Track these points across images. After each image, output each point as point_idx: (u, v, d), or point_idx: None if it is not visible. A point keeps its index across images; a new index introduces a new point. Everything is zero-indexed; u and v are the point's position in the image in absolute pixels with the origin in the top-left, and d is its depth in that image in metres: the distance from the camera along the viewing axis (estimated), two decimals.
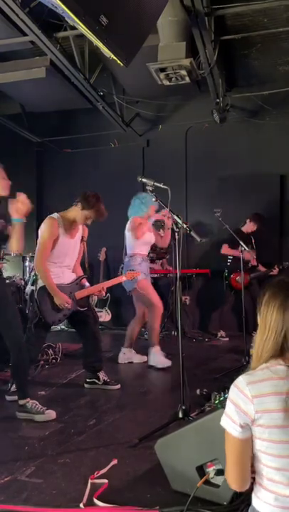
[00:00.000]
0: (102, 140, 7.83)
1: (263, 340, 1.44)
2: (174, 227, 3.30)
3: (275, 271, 6.22)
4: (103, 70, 6.33)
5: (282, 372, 1.38)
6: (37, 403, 3.37)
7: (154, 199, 3.57)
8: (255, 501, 1.41)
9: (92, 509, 2.17)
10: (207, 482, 2.14)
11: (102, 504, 2.18)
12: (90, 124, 7.76)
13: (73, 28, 4.36)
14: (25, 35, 4.90)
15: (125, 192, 5.12)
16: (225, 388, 2.62)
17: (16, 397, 3.47)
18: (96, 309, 6.88)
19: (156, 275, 6.48)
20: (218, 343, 6.29)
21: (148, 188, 3.59)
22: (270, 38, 5.75)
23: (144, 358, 5.07)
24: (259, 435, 1.35)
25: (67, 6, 2.06)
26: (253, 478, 1.43)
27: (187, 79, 5.19)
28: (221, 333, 6.47)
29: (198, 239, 3.51)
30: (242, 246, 4.84)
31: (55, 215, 3.88)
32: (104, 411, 3.59)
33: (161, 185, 3.50)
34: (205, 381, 3.97)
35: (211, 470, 2.14)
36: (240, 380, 1.40)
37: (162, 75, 5.15)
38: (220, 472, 2.12)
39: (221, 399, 2.43)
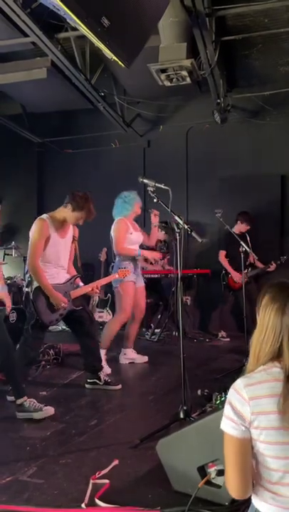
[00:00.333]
0: (103, 140, 7.84)
1: (259, 342, 1.45)
2: (175, 228, 3.30)
3: (272, 267, 6.22)
4: (104, 70, 6.35)
5: (278, 374, 1.39)
6: (34, 401, 3.38)
7: (155, 200, 3.57)
8: (255, 500, 1.43)
9: (93, 509, 2.17)
10: (208, 482, 2.14)
11: (103, 504, 2.19)
12: (91, 124, 7.77)
13: (74, 28, 4.37)
14: (26, 36, 4.91)
15: None
16: (226, 389, 2.62)
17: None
18: (97, 310, 6.91)
19: (157, 275, 6.49)
20: (219, 343, 6.29)
21: (149, 188, 3.60)
22: (271, 38, 5.76)
23: (145, 358, 5.08)
24: (256, 437, 1.36)
25: (70, 8, 2.07)
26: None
27: (188, 79, 5.20)
28: (222, 333, 6.47)
29: (199, 239, 3.52)
30: (242, 246, 4.85)
31: (45, 215, 3.87)
32: (105, 411, 3.60)
33: (162, 186, 3.50)
34: (206, 381, 3.96)
35: (212, 470, 2.15)
36: (238, 383, 1.41)
37: (163, 76, 5.16)
38: (221, 473, 2.12)
39: (222, 399, 2.44)
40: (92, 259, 7.14)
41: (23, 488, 2.37)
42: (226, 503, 2.10)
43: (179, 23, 4.74)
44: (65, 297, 3.85)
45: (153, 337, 6.43)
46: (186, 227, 3.31)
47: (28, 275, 3.92)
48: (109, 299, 7.04)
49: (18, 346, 4.03)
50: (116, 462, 2.60)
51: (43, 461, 2.68)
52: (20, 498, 2.26)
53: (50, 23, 4.80)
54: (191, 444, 2.24)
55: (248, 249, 4.98)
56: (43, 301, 3.77)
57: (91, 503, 2.20)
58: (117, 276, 4.52)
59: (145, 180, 3.63)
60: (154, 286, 6.63)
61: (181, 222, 3.31)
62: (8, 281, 5.87)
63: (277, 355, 1.42)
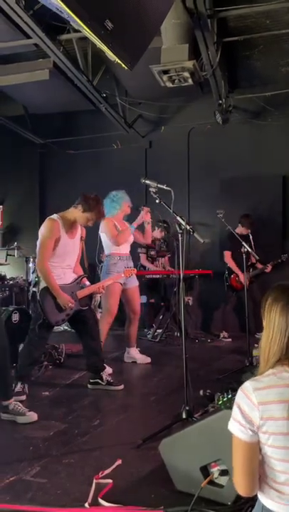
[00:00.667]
0: (105, 141, 7.86)
1: (268, 343, 1.46)
2: (178, 229, 3.31)
3: (268, 268, 6.27)
4: (106, 71, 6.36)
5: (288, 379, 1.40)
6: (20, 404, 3.36)
7: (157, 200, 3.59)
8: (261, 496, 1.45)
9: (97, 509, 2.19)
10: (211, 482, 2.15)
11: (106, 504, 2.20)
12: (93, 125, 7.79)
13: (76, 30, 4.38)
14: (28, 37, 4.94)
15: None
16: (228, 389, 2.64)
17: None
18: (99, 310, 6.91)
19: (158, 276, 6.50)
20: (221, 343, 6.29)
21: (151, 189, 3.61)
22: (273, 39, 5.77)
23: (148, 359, 5.09)
24: (264, 441, 1.38)
25: (73, 11, 2.08)
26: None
27: (190, 81, 5.22)
28: (224, 333, 6.47)
29: (201, 240, 3.53)
30: (244, 247, 4.86)
31: (55, 216, 3.89)
32: (107, 412, 3.62)
33: (164, 187, 3.52)
34: (208, 382, 3.97)
35: (215, 470, 2.16)
36: (247, 386, 1.42)
37: (165, 77, 5.18)
38: (224, 472, 2.14)
39: (225, 399, 2.44)
40: (93, 260, 7.14)
41: (27, 487, 2.38)
42: (229, 503, 2.11)
43: (181, 24, 4.76)
44: (71, 297, 3.87)
45: (155, 336, 6.43)
46: (188, 227, 3.32)
47: (35, 275, 3.94)
48: None
49: (22, 346, 4.05)
50: (119, 462, 2.62)
51: (46, 460, 2.69)
52: (24, 498, 2.28)
53: (53, 25, 4.82)
54: (193, 444, 2.25)
55: (249, 249, 4.98)
56: (51, 301, 3.79)
57: (94, 503, 2.21)
58: (123, 275, 4.55)
59: (147, 181, 3.64)
60: (156, 287, 6.64)
61: (183, 222, 3.32)
62: (11, 282, 5.88)
63: (285, 354, 1.43)
